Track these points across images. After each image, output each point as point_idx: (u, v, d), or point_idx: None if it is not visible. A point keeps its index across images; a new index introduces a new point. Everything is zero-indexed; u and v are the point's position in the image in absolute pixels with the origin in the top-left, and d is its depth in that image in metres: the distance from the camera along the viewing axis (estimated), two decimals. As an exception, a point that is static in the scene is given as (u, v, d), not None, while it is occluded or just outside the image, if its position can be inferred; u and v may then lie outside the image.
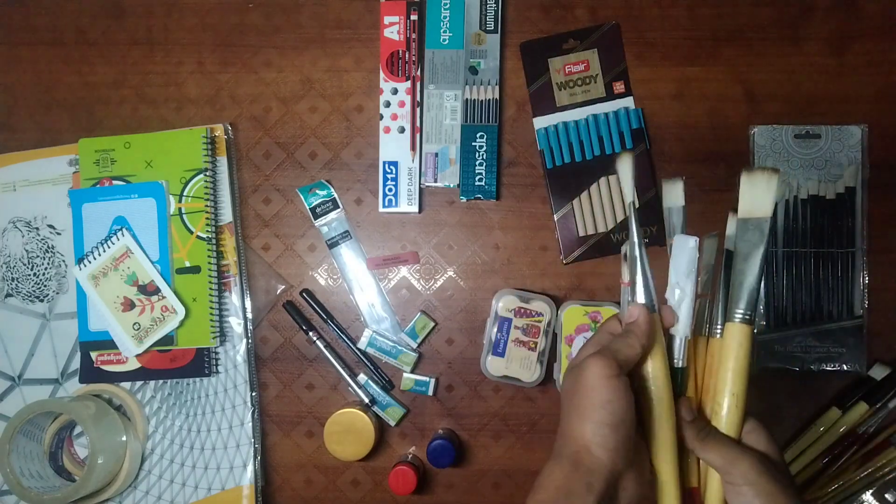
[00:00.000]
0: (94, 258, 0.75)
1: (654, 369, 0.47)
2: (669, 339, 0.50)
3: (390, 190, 0.76)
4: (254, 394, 0.77)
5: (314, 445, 0.78)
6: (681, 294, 0.49)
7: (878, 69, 0.75)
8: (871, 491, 0.72)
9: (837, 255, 0.74)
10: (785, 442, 0.75)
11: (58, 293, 0.78)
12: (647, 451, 0.48)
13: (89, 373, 0.76)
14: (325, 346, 0.77)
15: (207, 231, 0.75)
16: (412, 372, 0.77)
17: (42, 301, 0.78)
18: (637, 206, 0.48)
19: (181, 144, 0.76)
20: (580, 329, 0.73)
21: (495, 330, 0.73)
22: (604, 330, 0.51)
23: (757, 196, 0.48)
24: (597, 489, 0.42)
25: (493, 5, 0.76)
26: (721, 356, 0.48)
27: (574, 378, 0.46)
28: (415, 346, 0.77)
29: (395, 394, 0.77)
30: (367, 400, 0.76)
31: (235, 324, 0.77)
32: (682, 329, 0.49)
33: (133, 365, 0.76)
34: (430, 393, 0.76)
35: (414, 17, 0.75)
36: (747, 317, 0.47)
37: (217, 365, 0.77)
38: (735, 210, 0.50)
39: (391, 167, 0.76)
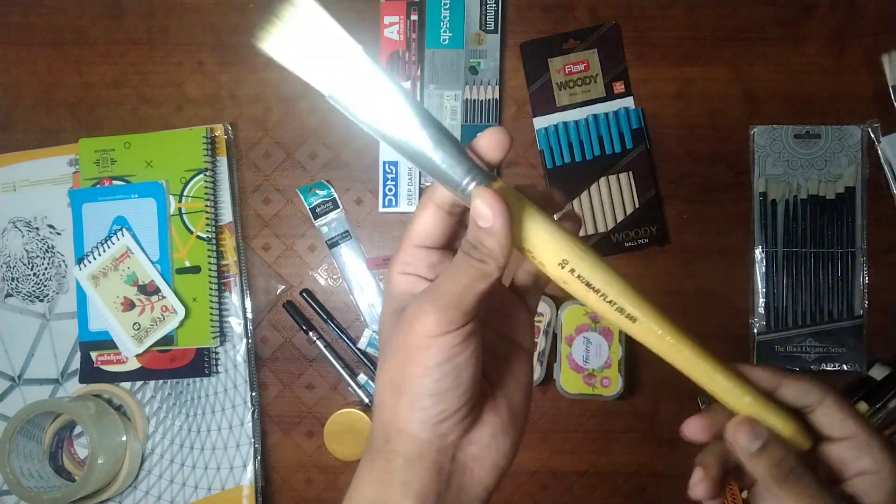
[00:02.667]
0: (94, 258, 0.75)
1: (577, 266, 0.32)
2: None
3: (390, 190, 0.76)
4: (254, 394, 0.77)
5: (314, 445, 0.78)
6: None
7: (878, 69, 0.75)
8: (871, 491, 0.72)
9: (837, 255, 0.74)
10: (785, 442, 0.75)
11: (58, 293, 0.78)
12: (505, 388, 0.36)
13: (89, 373, 0.76)
14: (325, 346, 0.77)
15: (207, 231, 0.75)
16: (412, 372, 0.76)
17: (42, 301, 0.78)
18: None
19: (181, 144, 0.76)
20: (580, 329, 0.73)
21: (495, 330, 0.73)
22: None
23: None
24: (416, 488, 0.31)
25: (493, 5, 0.76)
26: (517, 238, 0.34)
27: (391, 334, 0.33)
28: (415, 346, 0.77)
29: (395, 394, 0.77)
30: (367, 400, 0.76)
31: (235, 324, 0.77)
32: None
33: (133, 365, 0.76)
34: (430, 393, 0.76)
35: (414, 17, 0.75)
36: None
37: (217, 365, 0.77)
38: None
39: (391, 167, 0.76)
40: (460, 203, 0.33)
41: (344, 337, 0.77)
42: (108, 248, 0.75)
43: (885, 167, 0.74)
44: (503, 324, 0.38)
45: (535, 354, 0.73)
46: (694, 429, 0.36)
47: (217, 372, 0.77)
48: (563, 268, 0.32)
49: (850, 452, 0.35)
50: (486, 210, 0.30)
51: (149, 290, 0.75)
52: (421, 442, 0.32)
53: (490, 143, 0.32)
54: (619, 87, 0.76)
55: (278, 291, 0.78)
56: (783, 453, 0.34)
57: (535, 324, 0.73)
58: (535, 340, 0.73)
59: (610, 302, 0.33)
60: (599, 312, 0.34)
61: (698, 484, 0.36)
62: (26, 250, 0.78)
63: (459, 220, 0.35)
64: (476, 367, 0.32)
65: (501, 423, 0.35)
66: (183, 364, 0.76)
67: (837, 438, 0.36)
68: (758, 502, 0.37)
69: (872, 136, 0.74)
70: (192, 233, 0.75)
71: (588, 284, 0.32)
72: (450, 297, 0.31)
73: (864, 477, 0.35)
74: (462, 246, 0.32)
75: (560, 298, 0.75)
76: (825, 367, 0.74)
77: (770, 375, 0.37)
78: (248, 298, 0.77)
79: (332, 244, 0.77)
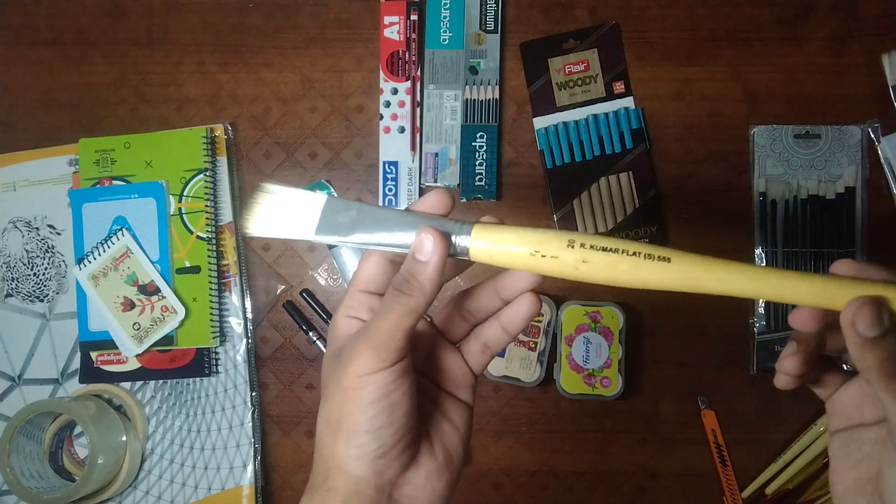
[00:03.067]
0: (94, 258, 0.75)
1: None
2: None
3: (390, 190, 0.76)
4: (254, 394, 0.77)
5: (314, 445, 0.78)
6: None
7: (878, 69, 0.75)
8: (871, 491, 0.72)
9: (837, 255, 0.74)
10: (785, 442, 0.75)
11: (58, 293, 0.78)
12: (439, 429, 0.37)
13: (89, 373, 0.77)
14: (325, 346, 0.77)
15: (207, 231, 0.75)
16: (412, 372, 0.76)
17: (42, 301, 0.78)
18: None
19: (181, 144, 0.76)
20: (580, 329, 0.73)
21: (495, 330, 0.73)
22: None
23: None
24: None
25: (493, 5, 0.76)
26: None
27: (330, 376, 0.36)
28: (415, 346, 0.77)
29: (395, 394, 0.77)
30: (367, 400, 0.76)
31: (235, 324, 0.77)
32: None
33: (133, 365, 0.76)
34: (430, 393, 0.76)
35: (414, 17, 0.75)
36: None
37: (217, 365, 0.77)
38: None
39: (391, 167, 0.76)
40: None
41: (344, 337, 0.77)
42: (108, 248, 0.75)
43: (885, 167, 0.74)
44: (442, 377, 0.39)
45: (535, 354, 0.73)
46: (803, 316, 0.33)
47: (217, 372, 0.77)
48: (572, 247, 0.33)
49: None
50: (428, 245, 0.33)
51: (149, 290, 0.75)
52: (358, 479, 0.33)
53: (430, 206, 0.35)
54: (619, 87, 0.76)
55: (278, 291, 0.78)
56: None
57: (535, 324, 0.73)
58: (536, 340, 0.73)
59: (635, 254, 0.33)
60: (630, 275, 0.33)
61: (790, 356, 0.34)
62: (26, 250, 0.78)
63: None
64: (410, 404, 0.33)
65: (436, 465, 0.35)
66: (183, 364, 0.76)
67: None
68: (844, 398, 0.35)
69: (872, 136, 0.74)
70: (192, 233, 0.75)
71: (605, 249, 0.33)
72: (381, 335, 0.32)
73: None
74: (393, 282, 0.34)
75: (560, 298, 0.75)
76: (825, 367, 0.74)
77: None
78: (248, 298, 0.77)
79: (332, 244, 0.77)
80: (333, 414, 0.34)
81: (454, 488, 0.36)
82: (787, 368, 0.35)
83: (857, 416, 0.36)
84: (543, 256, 0.33)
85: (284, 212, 0.36)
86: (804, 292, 0.32)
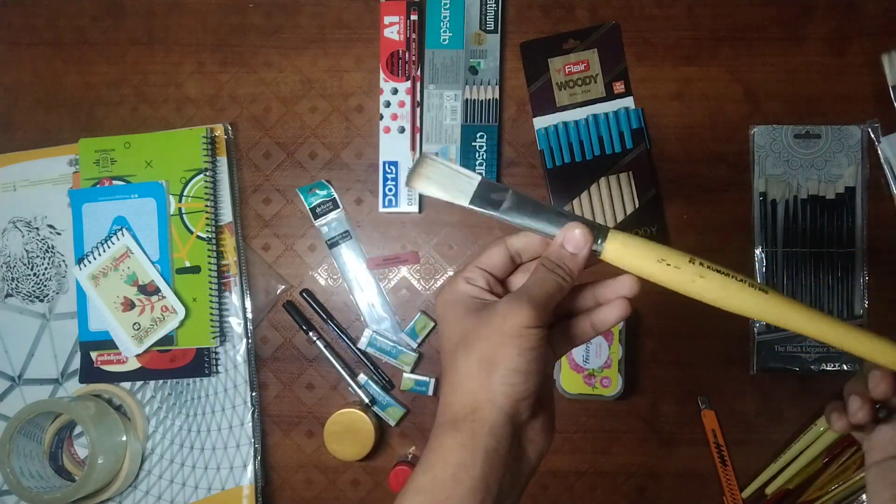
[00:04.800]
0: (94, 258, 0.75)
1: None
2: None
3: (390, 190, 0.76)
4: (254, 394, 0.77)
5: (314, 445, 0.78)
6: None
7: (878, 69, 0.75)
8: (871, 491, 0.72)
9: (837, 255, 0.74)
10: (785, 442, 0.75)
11: (58, 293, 0.78)
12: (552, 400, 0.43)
13: (89, 373, 0.76)
14: (325, 346, 0.77)
15: (207, 231, 0.75)
16: (412, 372, 0.77)
17: (42, 301, 0.78)
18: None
19: (181, 144, 0.76)
20: (580, 329, 0.73)
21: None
22: (501, 246, 0.43)
23: None
24: (501, 454, 0.37)
25: (493, 5, 0.76)
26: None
27: (464, 304, 0.40)
28: (415, 346, 0.77)
29: (395, 394, 0.77)
30: (367, 400, 0.76)
31: (235, 324, 0.77)
32: None
33: (133, 365, 0.76)
34: (430, 393, 0.76)
35: (414, 17, 0.75)
36: None
37: (217, 365, 0.77)
38: None
39: (391, 167, 0.76)
40: (528, 254, 0.43)
41: (344, 337, 0.77)
42: (108, 248, 0.75)
43: (885, 167, 0.74)
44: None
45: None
46: (885, 388, 0.42)
47: (217, 372, 0.77)
48: (693, 263, 0.39)
49: None
50: (580, 241, 0.40)
51: (149, 290, 0.75)
52: (505, 415, 0.37)
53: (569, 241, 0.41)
54: (619, 87, 0.76)
55: (278, 291, 0.78)
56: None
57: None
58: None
59: (742, 280, 0.39)
60: (734, 298, 0.39)
61: (861, 410, 0.41)
62: (26, 250, 0.78)
63: (516, 266, 0.44)
64: (549, 360, 0.39)
65: (546, 420, 0.41)
66: (183, 364, 0.76)
67: None
68: (881, 435, 0.43)
69: (872, 136, 0.74)
70: (192, 233, 0.75)
71: (718, 270, 0.39)
72: (542, 299, 0.38)
73: None
74: (544, 263, 0.40)
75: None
76: (825, 367, 0.74)
77: None
78: (248, 298, 0.77)
79: (332, 244, 0.77)
80: (489, 353, 0.37)
81: (549, 448, 0.42)
82: (861, 419, 0.42)
83: (892, 449, 0.43)
84: (668, 265, 0.39)
85: (444, 179, 0.42)
86: (889, 357, 0.39)
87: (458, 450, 0.37)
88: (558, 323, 0.43)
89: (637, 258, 0.40)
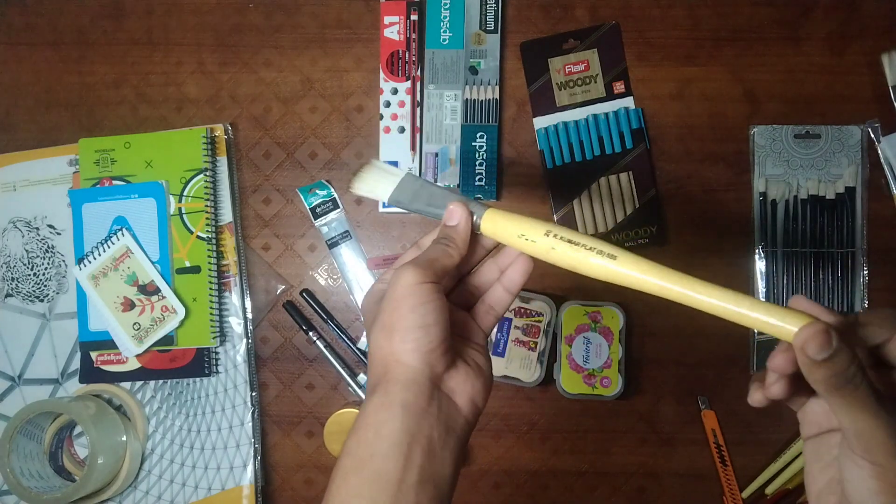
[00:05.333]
0: (94, 258, 0.75)
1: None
2: None
3: (390, 190, 0.76)
4: (254, 394, 0.77)
5: (314, 445, 0.78)
6: None
7: (878, 69, 0.75)
8: (871, 491, 0.72)
9: (837, 255, 0.74)
10: (785, 442, 0.75)
11: (58, 293, 0.78)
12: (469, 337, 0.46)
13: (89, 373, 0.76)
14: (325, 346, 0.77)
15: (207, 231, 0.75)
16: (412, 372, 0.76)
17: (42, 301, 0.78)
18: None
19: (181, 144, 0.76)
20: (580, 329, 0.73)
21: (495, 330, 0.73)
22: (416, 247, 0.47)
23: None
24: (416, 405, 0.38)
25: (493, 5, 0.76)
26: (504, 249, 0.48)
27: (378, 295, 0.43)
28: (415, 346, 0.77)
29: (395, 394, 0.77)
30: (367, 400, 0.76)
31: (235, 324, 0.77)
32: None
33: (133, 365, 0.76)
34: (430, 393, 0.76)
35: (414, 17, 0.75)
36: None
37: (217, 365, 0.77)
38: None
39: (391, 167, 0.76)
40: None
41: (344, 337, 0.77)
42: (108, 248, 0.75)
43: (885, 167, 0.74)
44: (459, 331, 0.47)
45: (536, 354, 0.73)
46: (781, 361, 0.36)
47: (217, 372, 0.77)
48: (548, 236, 0.42)
49: None
50: (457, 214, 0.45)
51: (149, 290, 0.75)
52: (413, 369, 0.39)
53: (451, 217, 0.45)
54: (619, 87, 0.76)
55: (278, 291, 0.78)
56: (846, 364, 0.33)
57: (535, 324, 0.73)
58: (536, 340, 0.73)
59: (591, 249, 0.40)
60: (584, 266, 0.41)
61: (776, 384, 0.37)
62: (26, 250, 0.78)
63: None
64: (447, 313, 0.41)
65: (470, 369, 0.43)
66: (183, 364, 0.76)
67: None
68: (814, 407, 0.39)
69: (872, 136, 0.74)
70: (192, 233, 0.75)
71: (570, 241, 0.41)
72: (425, 259, 0.42)
73: None
74: (435, 239, 0.45)
75: (560, 298, 0.75)
76: (825, 367, 0.74)
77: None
78: (248, 298, 0.77)
79: (332, 244, 0.77)
80: (387, 321, 0.40)
81: (488, 393, 0.44)
82: (775, 394, 0.38)
83: (826, 423, 0.39)
84: (527, 240, 0.43)
85: (376, 179, 0.49)
86: (759, 311, 0.36)
87: (376, 409, 0.39)
88: (478, 300, 0.48)
89: (504, 233, 0.44)
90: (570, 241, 0.41)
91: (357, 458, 0.38)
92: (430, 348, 0.40)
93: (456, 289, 0.49)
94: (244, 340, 0.77)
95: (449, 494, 0.39)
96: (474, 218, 0.45)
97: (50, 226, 0.78)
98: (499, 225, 0.44)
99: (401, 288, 0.40)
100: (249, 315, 0.77)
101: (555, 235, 0.42)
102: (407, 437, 0.38)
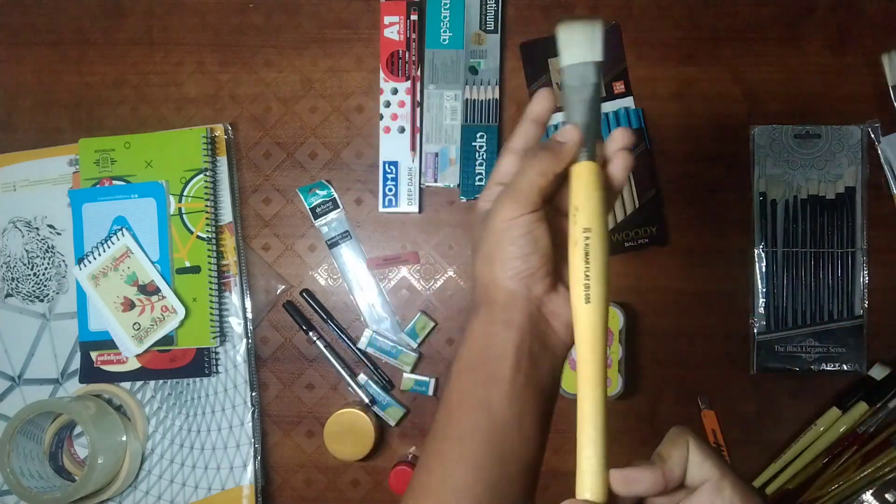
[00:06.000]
0: (94, 258, 0.75)
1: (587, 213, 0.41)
2: None
3: (390, 190, 0.76)
4: (254, 394, 0.77)
5: (314, 445, 0.78)
6: None
7: (878, 69, 0.75)
8: (871, 491, 0.72)
9: (837, 255, 0.74)
10: (785, 442, 0.75)
11: (58, 293, 0.78)
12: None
13: (89, 373, 0.76)
14: (325, 346, 0.77)
15: (207, 231, 0.75)
16: (412, 372, 0.77)
17: (42, 301, 0.78)
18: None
19: (181, 144, 0.76)
20: (580, 329, 0.73)
21: (495, 330, 0.73)
22: (509, 152, 0.46)
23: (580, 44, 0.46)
24: (516, 322, 0.41)
25: (493, 5, 0.76)
26: (571, 204, 0.42)
27: (481, 216, 0.44)
28: (415, 346, 0.77)
29: (395, 394, 0.77)
30: (367, 400, 0.76)
31: (235, 324, 0.77)
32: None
33: (133, 365, 0.76)
34: (430, 393, 0.76)
35: (414, 17, 0.75)
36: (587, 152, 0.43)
37: (217, 365, 0.77)
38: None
39: (391, 167, 0.76)
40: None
41: (344, 337, 0.77)
42: (108, 248, 0.75)
43: (885, 167, 0.74)
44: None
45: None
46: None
47: (217, 372, 0.77)
48: (583, 231, 0.40)
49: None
50: (568, 136, 0.42)
51: (149, 290, 0.75)
52: (512, 292, 0.42)
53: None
54: (619, 87, 0.76)
55: (278, 291, 0.78)
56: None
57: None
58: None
59: (587, 276, 0.40)
60: (573, 281, 0.41)
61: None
62: (26, 250, 0.78)
63: None
64: (548, 240, 0.42)
65: (568, 293, 0.43)
66: (183, 364, 0.76)
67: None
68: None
69: (872, 136, 0.74)
70: (192, 233, 0.75)
71: (587, 256, 0.40)
72: (522, 189, 0.41)
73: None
74: (531, 150, 0.43)
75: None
76: (825, 367, 0.74)
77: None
78: (248, 298, 0.77)
79: (332, 244, 0.77)
80: (488, 251, 0.42)
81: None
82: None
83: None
84: (576, 217, 0.42)
85: (585, 36, 0.47)
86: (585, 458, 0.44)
87: (481, 324, 0.42)
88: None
89: (574, 191, 0.42)
90: (586, 255, 0.40)
91: (469, 361, 0.42)
92: (529, 273, 0.41)
93: (558, 194, 0.46)
94: (244, 340, 0.77)
95: (550, 407, 0.45)
96: (580, 155, 0.42)
97: (50, 226, 0.78)
98: (580, 181, 0.41)
99: (500, 222, 0.41)
100: (249, 315, 0.77)
101: (586, 237, 0.40)
102: (512, 346, 0.41)
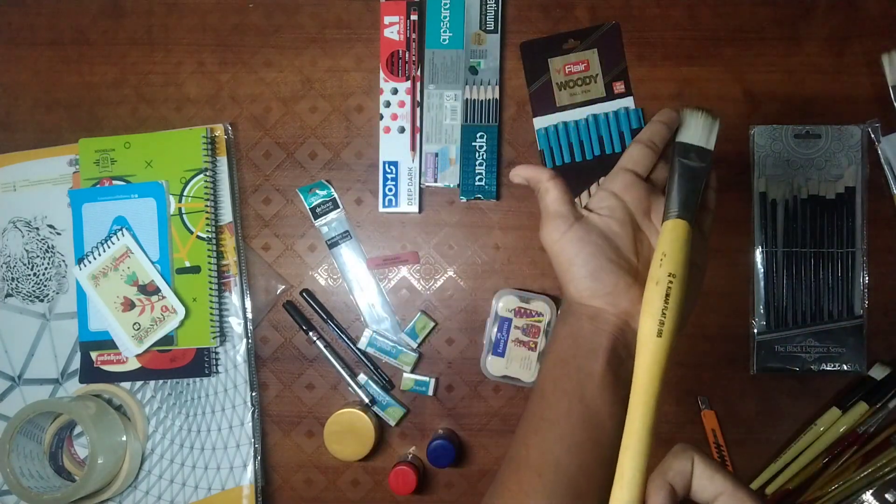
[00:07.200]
0: (94, 258, 0.75)
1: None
2: None
3: (390, 190, 0.76)
4: (254, 394, 0.77)
5: (314, 445, 0.78)
6: None
7: (878, 69, 0.75)
8: (871, 491, 0.72)
9: (837, 255, 0.74)
10: (785, 442, 0.75)
11: (58, 293, 0.78)
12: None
13: (89, 373, 0.77)
14: (325, 346, 0.77)
15: (207, 231, 0.75)
16: (412, 372, 0.77)
17: (42, 301, 0.78)
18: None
19: (181, 144, 0.76)
20: (580, 329, 0.73)
21: (495, 330, 0.73)
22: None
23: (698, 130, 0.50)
24: (605, 332, 0.43)
25: (493, 5, 0.76)
26: (658, 249, 0.44)
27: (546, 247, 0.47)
28: (415, 346, 0.77)
29: (395, 394, 0.77)
30: (367, 400, 0.76)
31: (235, 324, 0.77)
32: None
33: (133, 365, 0.76)
34: (430, 393, 0.76)
35: (414, 17, 0.75)
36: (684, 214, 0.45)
37: (217, 365, 0.77)
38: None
39: (391, 167, 0.76)
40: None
41: (344, 337, 0.77)
42: (108, 248, 0.75)
43: (885, 167, 0.74)
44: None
45: (536, 354, 0.73)
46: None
47: (217, 372, 0.77)
48: (668, 275, 0.41)
49: None
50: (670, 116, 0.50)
51: (149, 290, 0.75)
52: (598, 309, 0.43)
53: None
54: (619, 87, 0.76)
55: (278, 291, 0.78)
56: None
57: (535, 324, 0.73)
58: (536, 340, 0.73)
59: (664, 314, 0.41)
60: (646, 314, 0.41)
61: None
62: (26, 250, 0.78)
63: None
64: (609, 250, 0.43)
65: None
66: (183, 364, 0.76)
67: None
68: None
69: (872, 136, 0.74)
70: (192, 233, 0.75)
71: (666, 296, 0.41)
72: (548, 210, 0.47)
73: None
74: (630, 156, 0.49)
75: (560, 299, 0.75)
76: (825, 367, 0.74)
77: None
78: (248, 298, 0.77)
79: (332, 244, 0.77)
80: (560, 274, 0.44)
81: (684, 324, 0.43)
82: None
83: None
84: (664, 258, 0.43)
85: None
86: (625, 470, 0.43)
87: (569, 326, 0.44)
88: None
89: (669, 244, 0.43)
90: (666, 298, 0.41)
91: (559, 357, 0.44)
92: (607, 291, 0.43)
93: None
94: (244, 340, 0.77)
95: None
96: (673, 213, 0.45)
97: (50, 226, 0.78)
98: (673, 234, 0.43)
99: (547, 246, 0.44)
100: (249, 315, 0.77)
101: (669, 282, 0.41)
102: (599, 347, 0.42)
